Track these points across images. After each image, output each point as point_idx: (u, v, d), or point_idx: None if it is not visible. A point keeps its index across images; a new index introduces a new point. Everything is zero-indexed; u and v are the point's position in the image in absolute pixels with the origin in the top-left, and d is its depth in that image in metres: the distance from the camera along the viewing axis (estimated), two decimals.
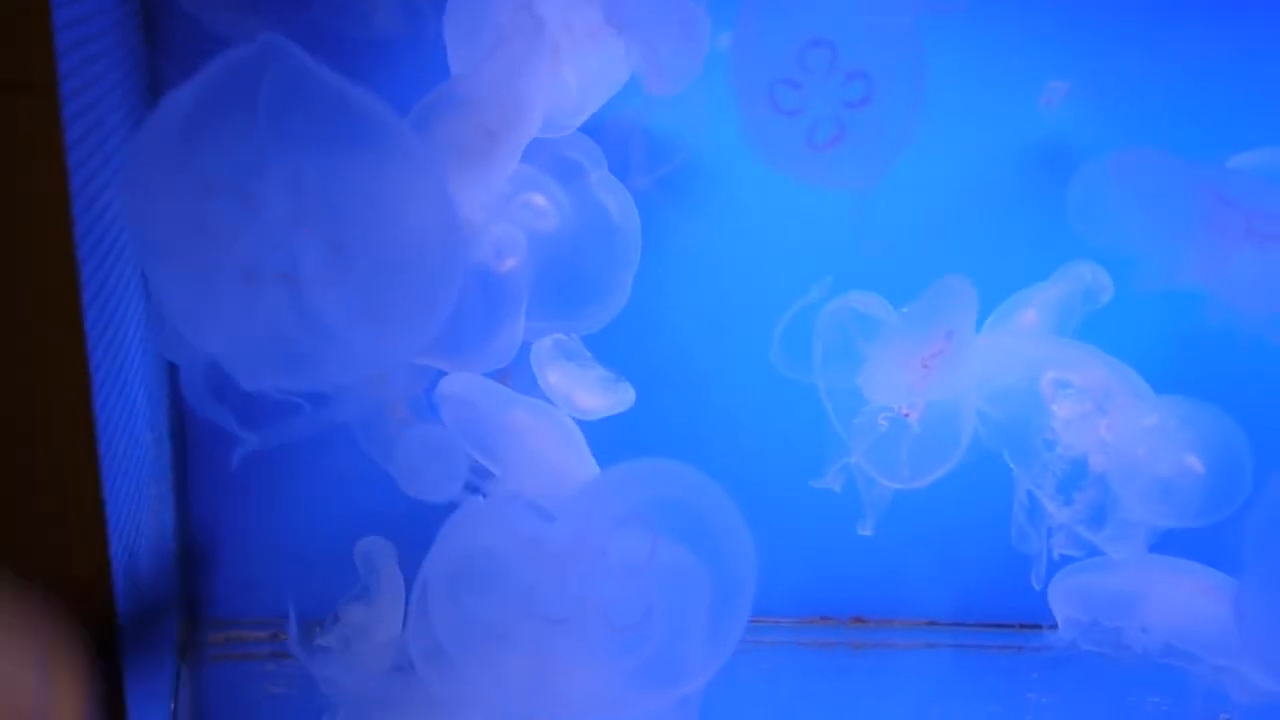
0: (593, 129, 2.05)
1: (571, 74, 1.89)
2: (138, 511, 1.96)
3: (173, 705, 2.30)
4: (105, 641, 1.63)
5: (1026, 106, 2.31)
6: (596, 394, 2.17)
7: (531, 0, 1.85)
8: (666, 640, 1.75)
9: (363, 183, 1.59)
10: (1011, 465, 2.14)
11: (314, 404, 1.84)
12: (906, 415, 2.05)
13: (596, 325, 2.07)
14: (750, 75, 1.92)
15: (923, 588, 2.61)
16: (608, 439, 2.16)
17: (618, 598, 1.72)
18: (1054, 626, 2.57)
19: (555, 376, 2.15)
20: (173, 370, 2.30)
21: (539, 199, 1.98)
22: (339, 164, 1.58)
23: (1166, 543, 2.15)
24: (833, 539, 2.32)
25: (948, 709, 2.58)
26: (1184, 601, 2.10)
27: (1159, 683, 2.55)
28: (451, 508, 1.91)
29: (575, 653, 1.73)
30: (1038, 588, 2.16)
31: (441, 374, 2.07)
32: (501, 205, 1.93)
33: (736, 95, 1.94)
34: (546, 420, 2.15)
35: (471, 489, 2.07)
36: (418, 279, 1.63)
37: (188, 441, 2.41)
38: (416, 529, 2.12)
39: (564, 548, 1.75)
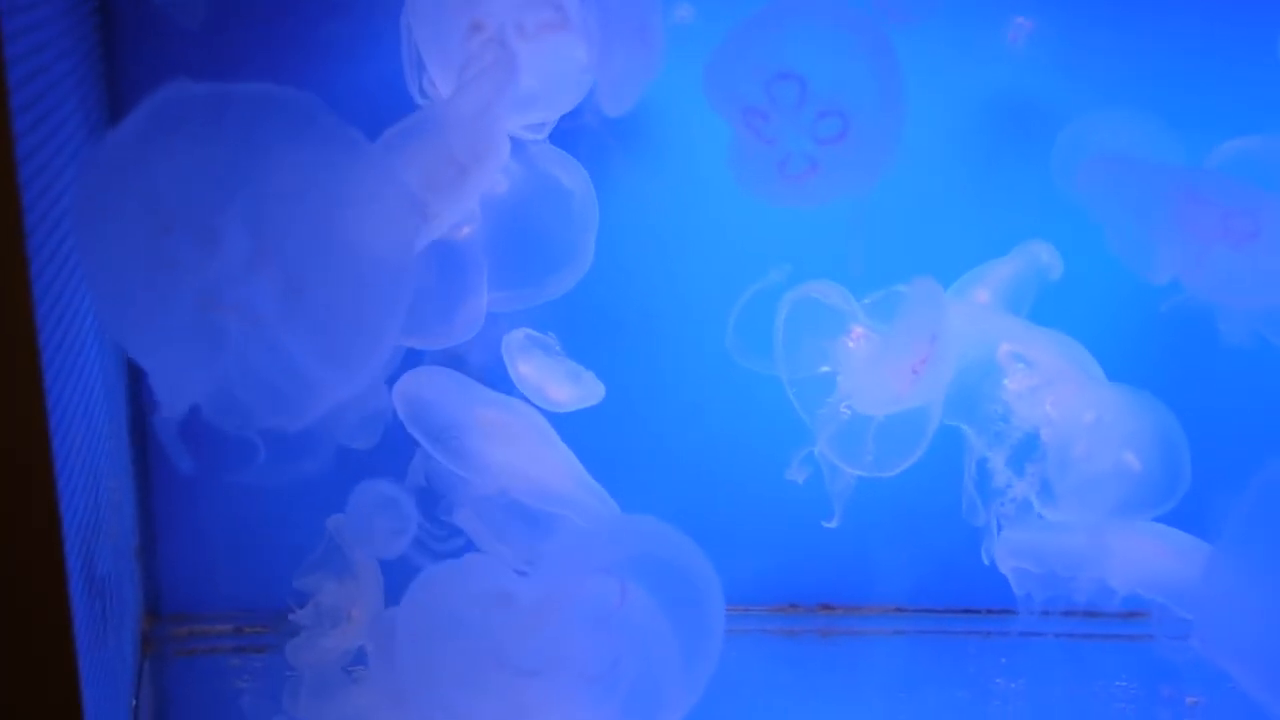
0: None
1: (530, 77, 1.89)
2: (95, 505, 1.94)
3: (134, 702, 2.28)
4: (60, 638, 1.60)
5: (994, 53, 2.31)
6: (567, 387, 2.16)
7: (501, 32, 1.85)
8: (638, 686, 1.80)
9: (324, 218, 1.59)
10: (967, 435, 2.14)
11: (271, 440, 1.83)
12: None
13: (560, 290, 2.06)
14: (724, 97, 1.93)
15: (891, 574, 2.61)
16: (574, 432, 2.15)
17: (588, 649, 1.77)
18: (1025, 612, 2.59)
19: (526, 369, 2.14)
20: (132, 365, 2.27)
21: None
22: (301, 200, 1.58)
23: None
24: (801, 527, 2.32)
25: (916, 695, 2.58)
26: (1143, 556, 2.10)
27: (1126, 666, 2.56)
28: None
29: (547, 702, 1.78)
30: (987, 562, 2.15)
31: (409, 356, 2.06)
32: None
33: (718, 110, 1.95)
34: (513, 415, 2.13)
35: (421, 544, 2.06)
36: (375, 313, 1.65)
37: (148, 435, 2.38)
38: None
39: (536, 603, 1.79)
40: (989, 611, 2.60)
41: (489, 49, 1.84)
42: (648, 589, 1.81)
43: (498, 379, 2.15)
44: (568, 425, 2.15)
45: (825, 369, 2.08)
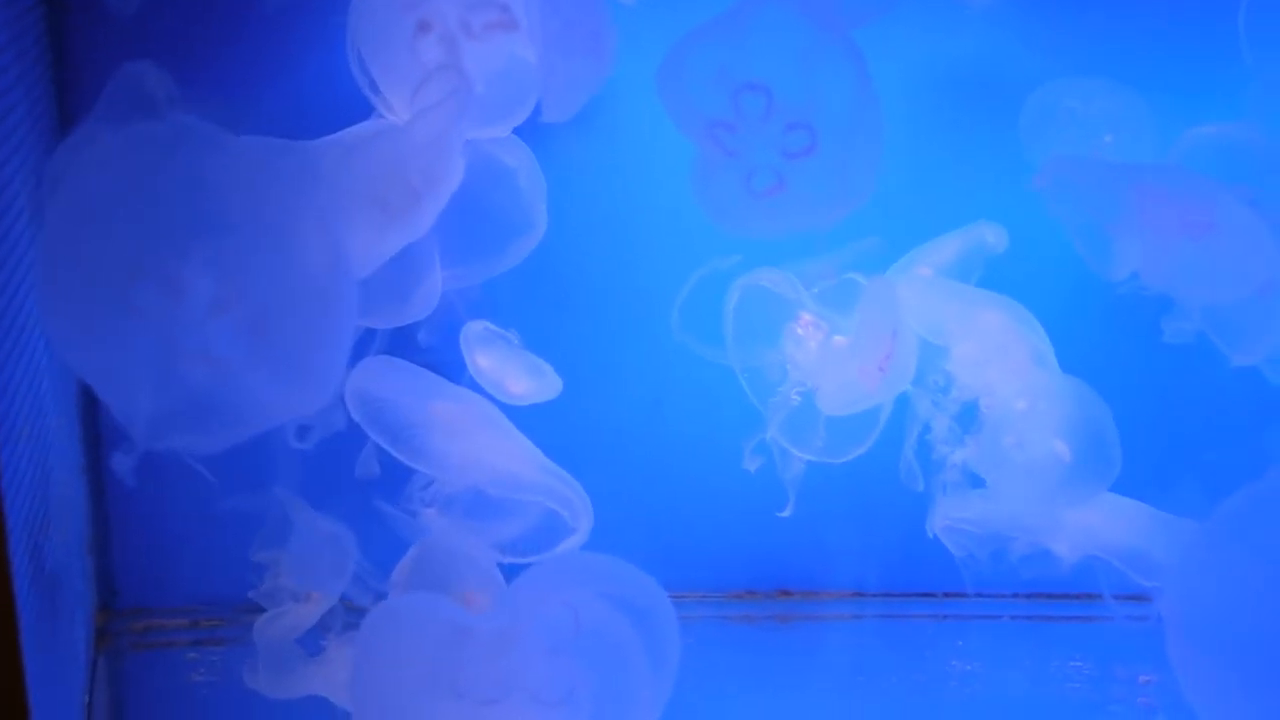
0: None
1: (478, 79, 1.88)
2: (44, 500, 1.93)
3: (88, 698, 2.27)
4: (5, 633, 1.59)
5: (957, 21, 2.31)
6: (525, 380, 2.15)
7: (457, 58, 1.84)
8: (598, 712, 1.83)
9: (278, 255, 1.61)
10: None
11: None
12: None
13: (513, 261, 2.05)
14: (685, 110, 1.89)
15: (848, 559, 2.62)
16: (529, 421, 2.14)
17: (545, 676, 1.81)
18: (981, 595, 2.61)
19: (485, 362, 2.13)
20: None
21: None
22: (256, 238, 1.60)
23: None
24: (758, 513, 2.32)
25: (873, 679, 2.59)
26: (1090, 521, 2.11)
27: (1081, 647, 2.58)
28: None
29: None
30: (931, 535, 2.16)
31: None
32: None
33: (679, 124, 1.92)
34: (467, 405, 2.12)
35: (361, 581, 2.06)
36: (329, 339, 1.67)
37: (101, 427, 2.36)
38: (332, 511, 2.12)
39: (493, 635, 1.82)
40: (946, 595, 2.61)
41: (446, 76, 1.83)
42: (605, 619, 1.84)
43: (450, 359, 2.13)
44: (522, 414, 2.14)
45: (776, 356, 2.08)
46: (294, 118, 2.03)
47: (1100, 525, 2.09)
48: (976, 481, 2.10)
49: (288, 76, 2.23)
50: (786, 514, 2.17)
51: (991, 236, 2.19)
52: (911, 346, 2.07)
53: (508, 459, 2.09)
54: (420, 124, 1.81)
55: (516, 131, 2.02)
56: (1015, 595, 2.60)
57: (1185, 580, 1.66)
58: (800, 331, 2.06)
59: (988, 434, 2.03)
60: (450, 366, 2.12)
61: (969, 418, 2.09)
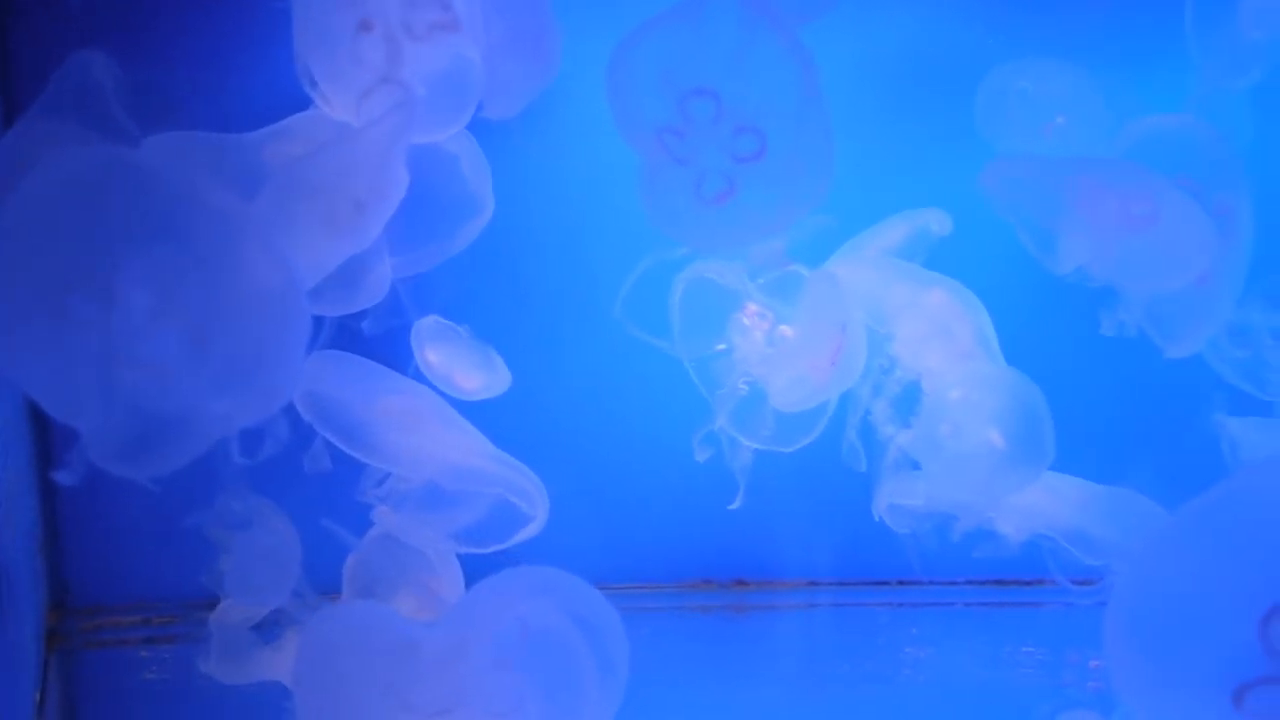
0: None
1: (418, 83, 1.85)
2: None
3: (38, 696, 2.25)
4: None
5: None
6: (475, 374, 2.14)
7: (399, 72, 1.82)
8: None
9: (217, 271, 1.61)
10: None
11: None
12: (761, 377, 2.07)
13: (463, 244, 2.04)
14: (633, 119, 1.87)
15: (803, 549, 2.64)
16: (481, 412, 2.14)
17: (494, 688, 1.80)
18: (933, 582, 2.63)
19: (435, 356, 2.13)
20: None
21: None
22: (192, 256, 1.59)
23: None
24: (713, 503, 2.33)
25: (829, 666, 2.61)
26: (1034, 500, 2.13)
27: (1033, 632, 2.60)
28: None
29: None
30: (877, 517, 2.18)
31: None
32: None
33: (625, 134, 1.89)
34: (416, 398, 2.11)
35: (300, 595, 2.05)
36: (276, 350, 1.67)
37: (50, 424, 2.34)
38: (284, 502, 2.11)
39: (440, 648, 1.81)
40: (900, 583, 2.63)
41: (391, 89, 1.82)
42: (553, 631, 1.85)
43: (397, 350, 2.13)
44: (473, 407, 2.14)
45: (722, 346, 2.09)
46: (241, 105, 2.03)
47: (1042, 505, 2.11)
48: (917, 464, 2.11)
49: (236, 65, 2.22)
50: (736, 506, 2.18)
51: (936, 222, 2.21)
52: (861, 338, 2.08)
53: (460, 451, 2.09)
54: (366, 138, 1.80)
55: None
56: (968, 582, 2.63)
57: (1137, 574, 1.66)
58: (746, 322, 2.07)
59: (923, 422, 2.04)
60: (397, 357, 2.11)
61: (911, 400, 2.10)
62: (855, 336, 2.06)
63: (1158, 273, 2.08)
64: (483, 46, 1.86)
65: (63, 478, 1.69)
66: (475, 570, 2.03)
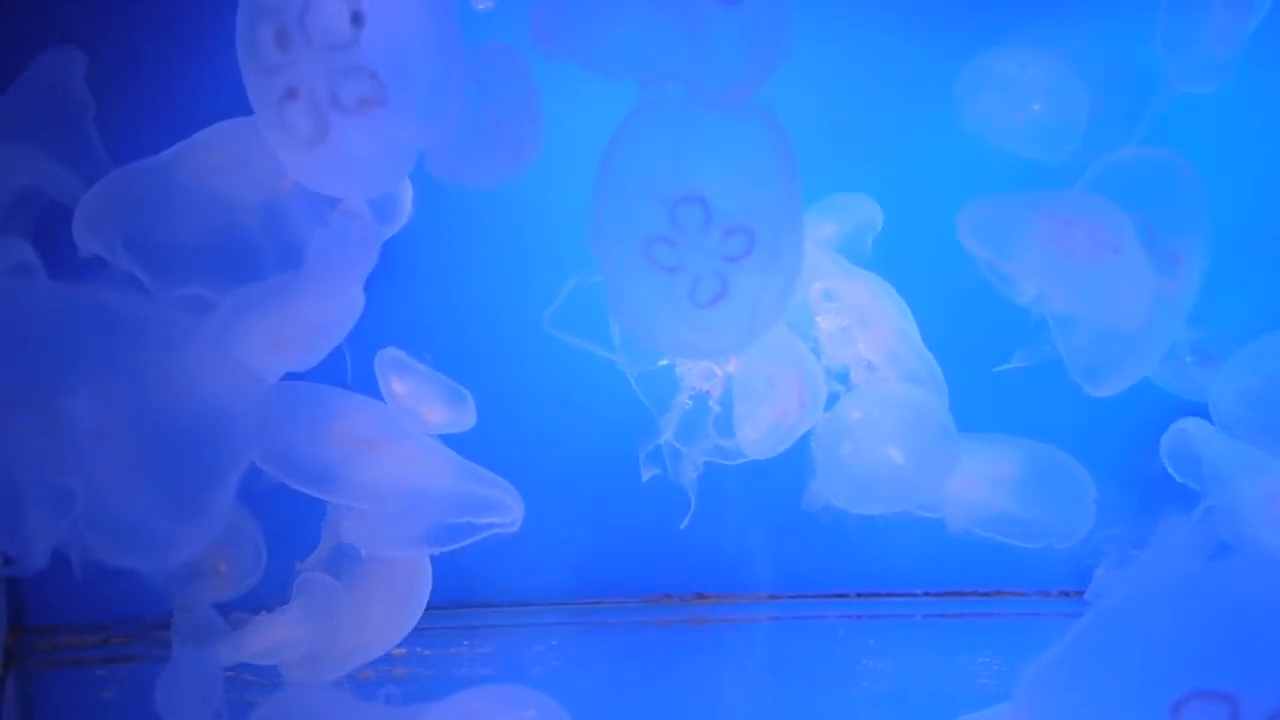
0: None
1: (343, 159, 1.75)
2: None
3: None
4: None
5: None
6: (441, 408, 2.11)
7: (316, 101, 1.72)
8: None
9: (165, 395, 1.62)
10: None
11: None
12: (708, 391, 2.08)
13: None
14: (621, 234, 1.77)
15: (762, 562, 2.65)
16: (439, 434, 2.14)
17: None
18: (891, 594, 2.65)
19: (400, 389, 2.06)
20: None
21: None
22: (142, 382, 1.61)
23: None
24: (672, 518, 2.35)
25: (788, 679, 2.63)
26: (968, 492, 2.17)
27: (989, 643, 2.63)
28: None
29: None
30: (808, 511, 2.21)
31: None
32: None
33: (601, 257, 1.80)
34: (377, 423, 2.07)
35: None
36: (216, 471, 1.67)
37: None
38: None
39: None
40: (859, 595, 2.65)
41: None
42: None
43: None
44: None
45: (665, 361, 2.10)
46: (208, 102, 2.01)
47: (964, 500, 2.15)
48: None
49: (202, 59, 2.21)
50: (684, 525, 2.19)
51: (871, 211, 2.22)
52: (818, 370, 2.10)
53: (425, 474, 2.06)
54: (321, 269, 1.78)
55: None
56: (926, 594, 2.65)
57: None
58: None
59: (824, 442, 2.07)
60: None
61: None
62: (813, 371, 2.09)
63: (1117, 303, 2.08)
64: (421, 121, 1.76)
65: (10, 571, 1.71)
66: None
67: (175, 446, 1.63)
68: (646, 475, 2.15)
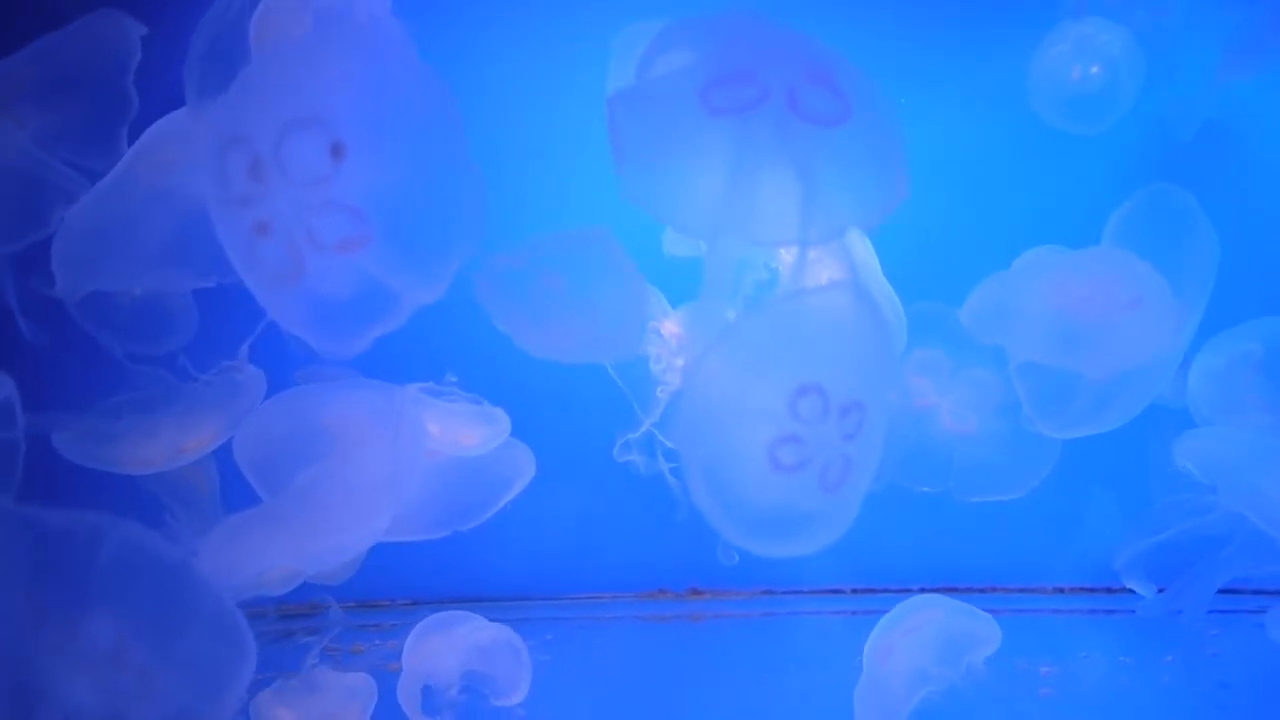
0: None
1: (319, 302, 1.59)
2: None
3: None
4: None
5: None
6: (477, 427, 2.09)
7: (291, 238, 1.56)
8: None
9: (175, 628, 1.62)
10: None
11: None
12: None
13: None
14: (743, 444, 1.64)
15: (758, 558, 2.65)
16: None
17: None
18: (887, 590, 2.66)
19: (434, 429, 2.02)
20: None
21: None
22: (157, 618, 1.57)
23: None
24: (669, 513, 2.35)
25: (782, 676, 2.63)
26: None
27: None
28: None
29: None
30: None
31: None
32: None
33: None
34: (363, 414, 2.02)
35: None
36: (224, 686, 1.68)
37: None
38: None
39: None
40: (854, 591, 2.66)
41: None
42: None
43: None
44: None
45: (646, 354, 2.10)
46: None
47: None
48: None
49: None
50: (680, 517, 2.20)
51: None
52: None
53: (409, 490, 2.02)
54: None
55: None
56: (921, 590, 2.65)
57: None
58: (665, 334, 2.08)
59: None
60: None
61: None
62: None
63: (1127, 355, 2.07)
64: (412, 265, 1.59)
65: None
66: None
67: (186, 670, 1.64)
68: (621, 458, 2.14)
